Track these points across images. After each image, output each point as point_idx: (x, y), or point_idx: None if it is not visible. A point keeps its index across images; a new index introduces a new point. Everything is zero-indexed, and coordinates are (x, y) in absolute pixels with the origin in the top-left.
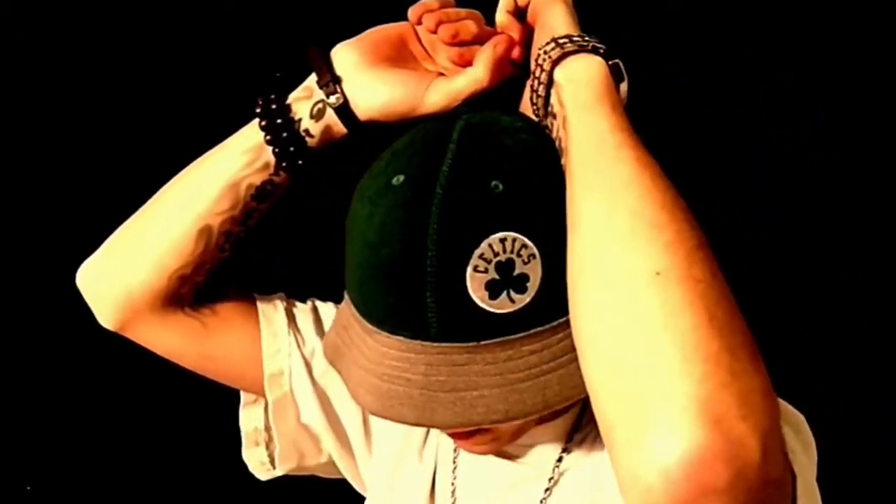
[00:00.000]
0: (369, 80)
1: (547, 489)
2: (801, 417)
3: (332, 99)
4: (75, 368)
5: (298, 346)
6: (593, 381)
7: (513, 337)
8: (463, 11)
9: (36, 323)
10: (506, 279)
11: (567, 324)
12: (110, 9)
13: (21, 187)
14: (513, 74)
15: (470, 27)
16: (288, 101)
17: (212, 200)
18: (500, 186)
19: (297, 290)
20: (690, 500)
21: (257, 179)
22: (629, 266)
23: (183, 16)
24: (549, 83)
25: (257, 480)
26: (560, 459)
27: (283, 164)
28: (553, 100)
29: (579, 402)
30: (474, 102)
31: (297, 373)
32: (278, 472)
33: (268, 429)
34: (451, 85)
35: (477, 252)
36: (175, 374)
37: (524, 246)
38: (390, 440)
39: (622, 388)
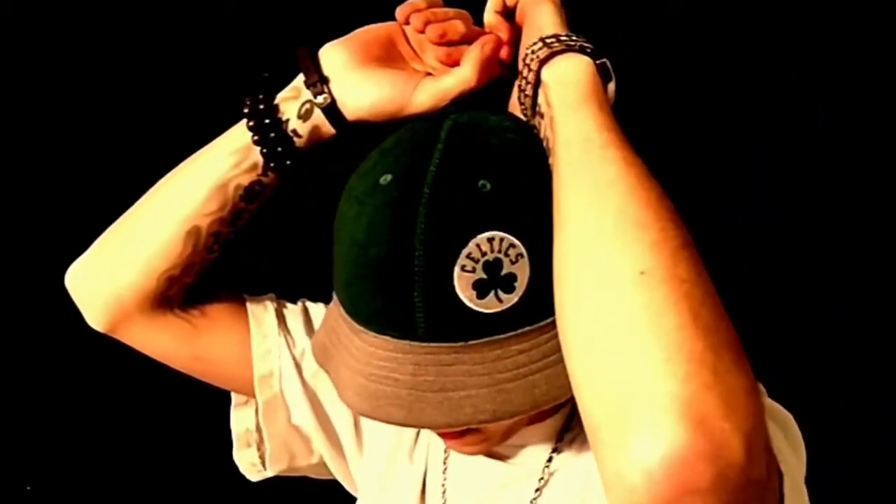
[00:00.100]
0: (357, 79)
1: (537, 489)
2: (790, 416)
3: (320, 99)
4: (75, 369)
5: (288, 347)
6: (578, 381)
7: (501, 337)
8: (451, 11)
9: (36, 323)
10: (493, 279)
11: (555, 323)
12: (93, 12)
13: (11, 189)
14: (501, 74)
15: (458, 27)
16: (276, 102)
17: (200, 201)
18: (488, 186)
19: (286, 291)
20: (673, 500)
21: (245, 180)
22: (614, 265)
23: (169, 17)
24: (537, 83)
25: (249, 481)
26: (550, 460)
27: (271, 165)
28: (541, 99)
29: (569, 402)
30: (462, 102)
31: (287, 374)
32: (269, 474)
33: (259, 430)
34: (438, 85)
35: (464, 251)
36: (175, 374)
37: (512, 245)
38: (381, 441)
39: (606, 388)
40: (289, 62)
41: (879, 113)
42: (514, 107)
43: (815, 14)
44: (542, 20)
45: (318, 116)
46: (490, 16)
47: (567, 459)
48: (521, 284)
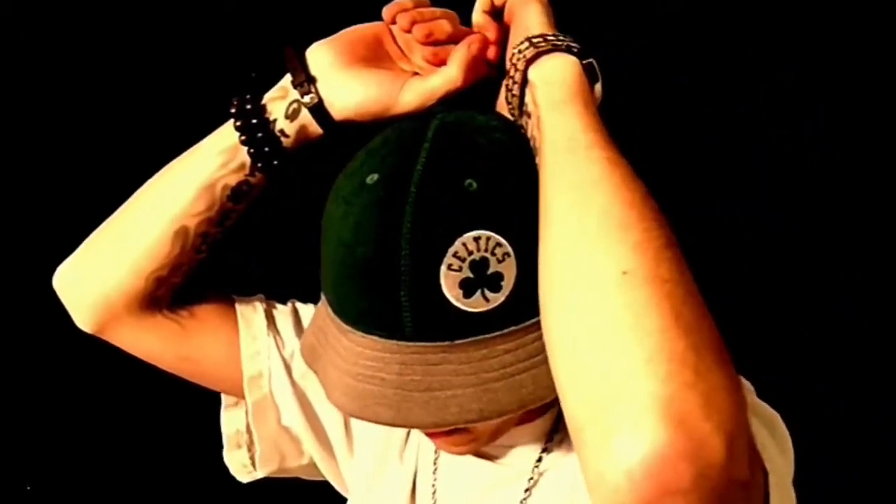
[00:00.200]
0: (344, 79)
1: (526, 489)
2: (777, 415)
3: (307, 99)
4: (75, 369)
5: (278, 348)
6: (561, 381)
7: (487, 336)
8: (437, 11)
9: (36, 323)
10: (480, 278)
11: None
12: (75, 14)
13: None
14: (488, 74)
15: (444, 26)
16: (263, 102)
17: (188, 202)
18: (475, 185)
19: (274, 291)
20: (655, 500)
21: (233, 180)
22: (597, 266)
23: (155, 18)
24: (524, 82)
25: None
26: (540, 460)
27: (259, 165)
28: (527, 99)
29: (557, 402)
30: (450, 102)
31: (276, 375)
32: (260, 475)
33: (249, 431)
34: (425, 84)
35: (451, 250)
36: (174, 375)
37: (498, 244)
38: (371, 441)
39: (588, 389)
40: (276, 62)
41: (880, 113)
42: (502, 106)
43: (815, 14)
44: (530, 20)
45: (306, 116)
46: (478, 15)
47: (556, 459)
48: (507, 284)
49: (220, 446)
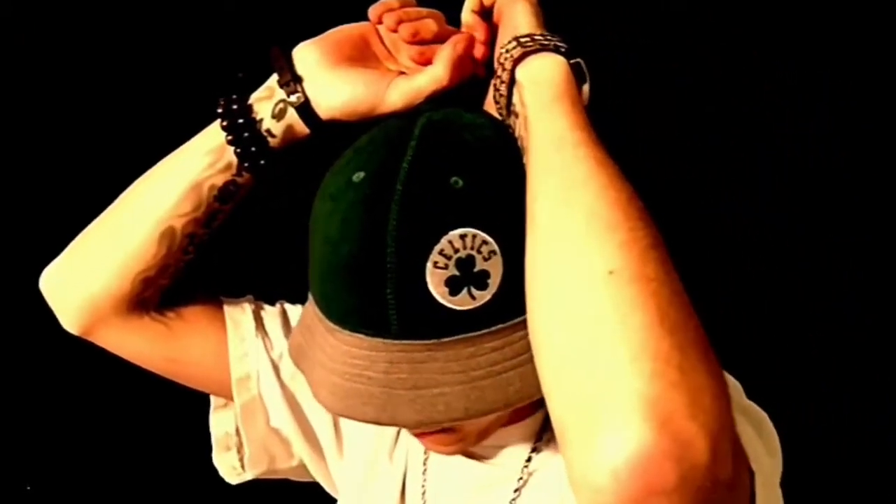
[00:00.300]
0: (330, 78)
1: (516, 490)
2: (764, 415)
3: (294, 98)
4: (75, 369)
5: (266, 350)
6: (547, 380)
7: (474, 334)
8: (423, 11)
9: (36, 324)
10: (466, 275)
11: None
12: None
13: None
14: (475, 73)
15: (430, 26)
16: (249, 102)
17: (174, 202)
18: (461, 182)
19: (262, 292)
20: (639, 500)
21: (220, 180)
22: (583, 265)
23: (139, 20)
24: (511, 82)
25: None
26: (529, 460)
27: (245, 165)
28: (515, 98)
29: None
30: (438, 102)
31: (265, 376)
32: (249, 476)
33: (238, 433)
34: (411, 83)
35: (437, 248)
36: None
37: (484, 242)
38: (361, 442)
39: (574, 388)
40: (262, 63)
41: (883, 113)
42: (490, 106)
43: (818, 14)
44: (518, 19)
45: (292, 116)
46: (467, 15)
47: (546, 459)
48: (494, 281)
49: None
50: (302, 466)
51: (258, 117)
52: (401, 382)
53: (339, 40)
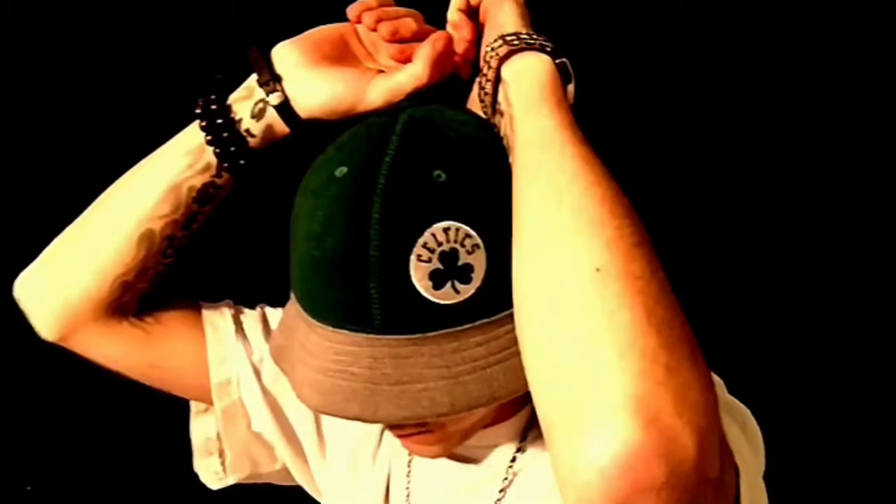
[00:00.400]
0: (310, 78)
1: (501, 490)
2: (748, 412)
3: (273, 97)
4: (75, 369)
5: (246, 354)
6: (533, 377)
7: (458, 329)
8: (402, 10)
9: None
10: (450, 269)
11: (513, 316)
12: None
13: None
14: (455, 71)
15: (409, 24)
16: (228, 102)
17: (153, 204)
18: (444, 176)
19: (242, 296)
20: (626, 498)
21: (199, 181)
22: (570, 262)
23: (124, 23)
24: (497, 80)
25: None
26: (514, 460)
27: (225, 165)
28: (500, 97)
29: (531, 401)
30: (419, 100)
31: (245, 380)
32: (231, 481)
33: (219, 438)
34: (391, 81)
35: (420, 241)
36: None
37: (468, 236)
38: (344, 445)
39: (561, 385)
40: (241, 63)
41: (882, 113)
42: (473, 104)
43: (817, 14)
44: (504, 18)
45: (272, 115)
46: (454, 14)
47: (530, 459)
48: (477, 275)
49: None
50: (285, 470)
51: (237, 117)
52: (385, 378)
53: (319, 40)
